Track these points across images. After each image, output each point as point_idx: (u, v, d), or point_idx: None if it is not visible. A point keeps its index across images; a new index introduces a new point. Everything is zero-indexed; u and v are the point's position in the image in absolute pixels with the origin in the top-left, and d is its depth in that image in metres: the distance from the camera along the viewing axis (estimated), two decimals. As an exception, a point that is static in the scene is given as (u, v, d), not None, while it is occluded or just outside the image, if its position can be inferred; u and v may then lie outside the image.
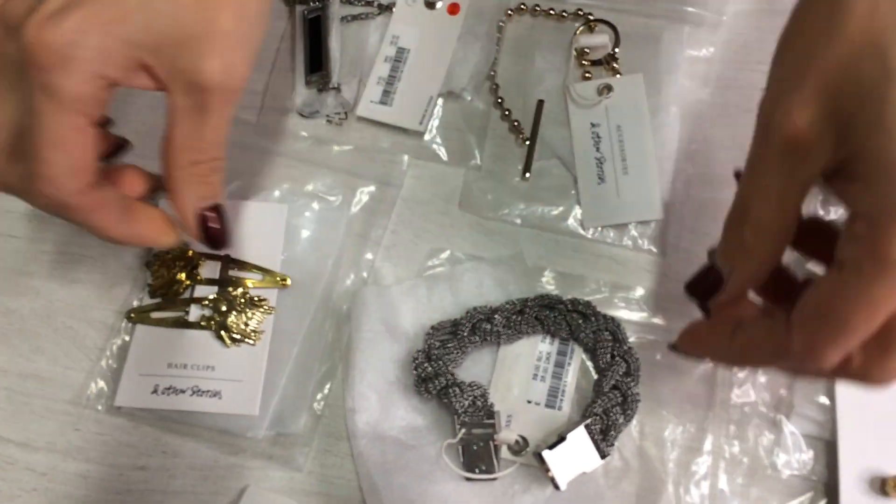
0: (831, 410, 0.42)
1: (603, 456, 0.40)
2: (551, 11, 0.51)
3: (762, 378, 0.43)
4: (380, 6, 0.52)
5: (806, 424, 0.42)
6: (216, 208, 0.38)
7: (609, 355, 0.43)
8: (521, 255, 0.46)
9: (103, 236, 0.37)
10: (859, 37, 0.26)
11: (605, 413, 0.41)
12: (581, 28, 0.50)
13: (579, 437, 0.40)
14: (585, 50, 0.50)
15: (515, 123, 0.49)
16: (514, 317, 0.43)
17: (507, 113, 0.50)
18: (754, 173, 0.30)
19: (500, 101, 0.50)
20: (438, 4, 0.50)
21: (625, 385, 0.42)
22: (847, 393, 0.41)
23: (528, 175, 0.48)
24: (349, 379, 0.44)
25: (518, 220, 0.47)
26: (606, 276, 0.46)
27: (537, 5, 0.51)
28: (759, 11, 0.51)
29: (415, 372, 0.42)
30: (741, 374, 0.44)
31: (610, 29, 0.50)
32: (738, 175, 0.33)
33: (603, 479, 0.42)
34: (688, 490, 0.42)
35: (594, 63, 0.50)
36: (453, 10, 0.50)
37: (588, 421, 0.41)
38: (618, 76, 0.49)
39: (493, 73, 0.50)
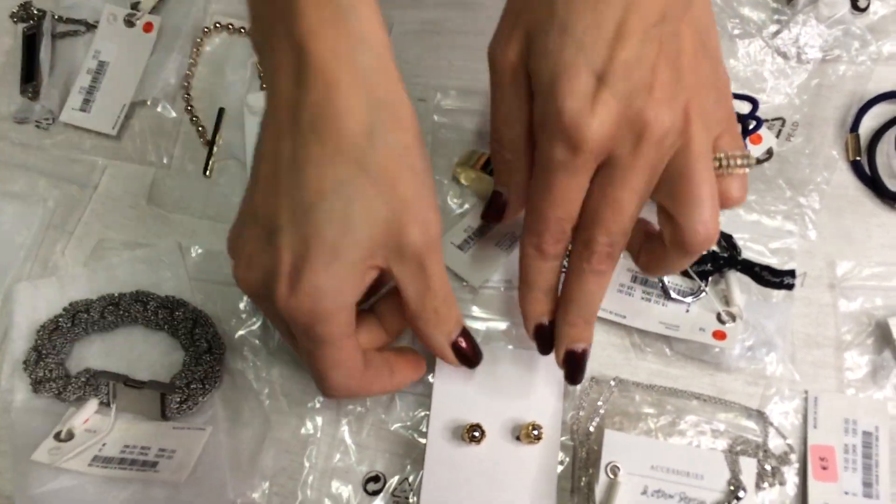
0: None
1: (165, 417, 0.46)
2: (242, 30, 0.58)
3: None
4: (87, 24, 0.58)
5: (415, 386, 0.50)
6: (463, 333, 0.43)
7: (204, 341, 0.48)
8: (177, 245, 0.53)
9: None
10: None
11: (187, 386, 0.47)
12: (263, 44, 0.57)
13: (153, 395, 0.46)
14: (265, 63, 0.57)
15: (201, 129, 0.56)
16: (109, 307, 0.49)
17: (195, 119, 0.56)
18: (496, 106, 0.40)
19: (190, 108, 0.56)
20: (137, 23, 0.57)
21: (206, 362, 0.48)
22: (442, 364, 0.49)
23: (208, 173, 0.55)
24: (4, 363, 0.50)
25: (198, 213, 0.54)
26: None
27: (231, 24, 0.58)
28: (423, 31, 0.58)
29: (30, 378, 0.47)
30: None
31: (287, 45, 0.57)
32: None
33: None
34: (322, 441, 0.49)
35: (273, 75, 0.57)
36: (147, 28, 0.57)
37: (168, 384, 0.46)
38: (289, 87, 0.56)
39: (186, 84, 0.57)
